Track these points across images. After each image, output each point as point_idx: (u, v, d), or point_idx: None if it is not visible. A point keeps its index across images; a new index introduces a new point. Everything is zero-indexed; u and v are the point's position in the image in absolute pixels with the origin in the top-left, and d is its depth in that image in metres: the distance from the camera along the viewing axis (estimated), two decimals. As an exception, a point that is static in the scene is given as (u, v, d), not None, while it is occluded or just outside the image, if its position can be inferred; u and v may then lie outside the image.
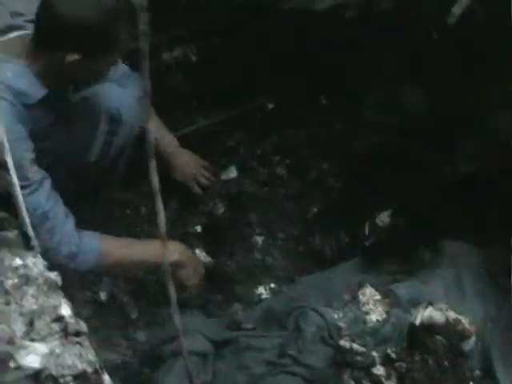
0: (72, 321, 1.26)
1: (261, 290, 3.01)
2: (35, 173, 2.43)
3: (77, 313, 2.67)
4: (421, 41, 2.71)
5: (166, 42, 3.52)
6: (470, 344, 2.58)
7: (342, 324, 2.72)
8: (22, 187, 2.30)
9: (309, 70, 3.43)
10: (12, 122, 2.34)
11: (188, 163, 3.20)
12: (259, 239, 3.18)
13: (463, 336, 2.57)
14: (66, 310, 1.27)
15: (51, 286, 1.30)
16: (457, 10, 2.53)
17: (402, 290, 2.79)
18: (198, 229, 3.20)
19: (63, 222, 2.52)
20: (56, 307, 1.27)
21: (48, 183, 2.49)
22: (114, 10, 2.39)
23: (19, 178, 2.29)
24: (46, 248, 2.37)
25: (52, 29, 2.39)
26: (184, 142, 3.30)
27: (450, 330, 2.57)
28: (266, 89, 3.57)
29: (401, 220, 2.94)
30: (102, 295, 2.95)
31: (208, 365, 2.66)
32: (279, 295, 2.96)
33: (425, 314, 2.59)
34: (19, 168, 2.28)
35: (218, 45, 3.60)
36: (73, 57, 2.38)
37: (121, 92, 2.88)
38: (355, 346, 2.65)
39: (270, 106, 3.62)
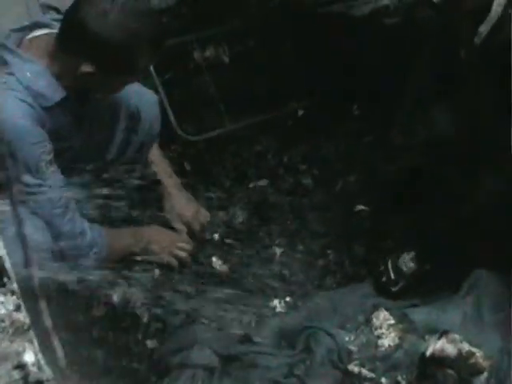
0: (34, 369, 1.22)
1: (275, 302, 2.95)
2: (52, 173, 2.44)
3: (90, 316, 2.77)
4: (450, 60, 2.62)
5: (198, 41, 3.46)
6: (481, 380, 2.51)
7: (352, 347, 2.68)
8: (40, 185, 2.34)
9: (344, 78, 3.36)
10: (30, 124, 2.36)
11: (184, 207, 3.12)
12: (278, 250, 3.13)
13: (475, 370, 2.51)
14: (29, 357, 1.23)
15: (18, 328, 1.26)
16: (483, 28, 2.44)
17: (418, 315, 2.75)
18: (216, 237, 3.14)
19: (78, 213, 2.57)
20: (19, 353, 1.23)
21: (65, 182, 2.51)
22: (138, 35, 2.36)
23: (37, 178, 2.33)
24: (71, 236, 2.52)
25: (74, 34, 2.37)
26: (210, 145, 3.26)
27: (462, 364, 2.51)
28: (298, 95, 3.50)
29: (426, 265, 2.85)
30: (115, 297, 2.92)
31: (214, 380, 2.62)
32: (293, 312, 2.90)
33: (437, 346, 2.53)
34: (36, 170, 2.32)
35: (252, 47, 3.53)
36: (87, 68, 2.37)
37: (141, 90, 2.88)
38: (364, 371, 2.61)
39: (301, 112, 3.54)
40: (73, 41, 2.37)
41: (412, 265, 2.87)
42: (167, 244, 2.88)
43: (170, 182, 3.09)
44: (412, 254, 2.90)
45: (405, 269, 2.89)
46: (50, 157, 2.43)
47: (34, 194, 2.42)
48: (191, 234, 3.05)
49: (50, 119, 2.45)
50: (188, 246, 2.94)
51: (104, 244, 2.66)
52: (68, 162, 2.58)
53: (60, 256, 2.50)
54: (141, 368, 2.78)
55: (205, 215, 3.11)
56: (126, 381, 2.75)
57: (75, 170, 2.59)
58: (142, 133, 2.84)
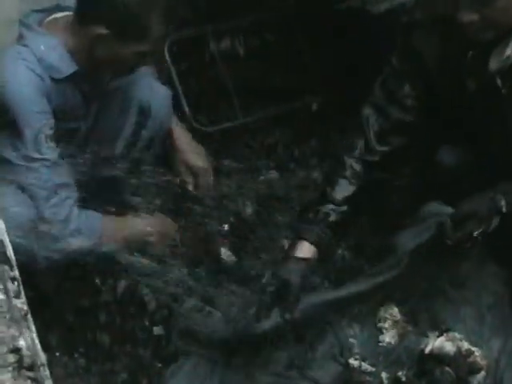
0: (29, 353, 1.26)
1: (282, 294, 2.97)
2: (50, 149, 2.46)
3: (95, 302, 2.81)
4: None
5: (214, 32, 3.48)
6: (478, 378, 2.53)
7: (354, 341, 2.70)
8: (34, 159, 2.38)
9: (359, 74, 3.37)
10: (35, 94, 2.41)
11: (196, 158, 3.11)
12: (286, 243, 3.15)
13: (473, 369, 2.53)
14: (25, 341, 1.26)
15: (14, 314, 1.30)
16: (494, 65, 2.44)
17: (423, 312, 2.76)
18: (225, 227, 3.17)
19: (70, 200, 2.56)
20: (15, 337, 1.27)
21: (62, 164, 2.52)
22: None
23: (33, 150, 2.36)
24: (53, 222, 2.49)
25: (87, 3, 2.44)
26: (222, 137, 3.28)
27: (460, 362, 2.53)
28: (313, 89, 3.51)
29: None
30: (122, 284, 2.96)
31: (215, 372, 2.65)
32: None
33: (436, 343, 2.55)
34: (35, 140, 2.38)
35: (268, 40, 3.54)
36: (101, 29, 2.41)
37: (154, 85, 2.89)
38: (365, 365, 2.63)
39: (315, 107, 3.56)
40: (88, 7, 2.43)
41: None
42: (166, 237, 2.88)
43: (184, 136, 3.09)
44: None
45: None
46: (50, 132, 2.45)
47: (25, 167, 2.45)
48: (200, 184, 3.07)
49: (58, 94, 2.50)
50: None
51: (95, 233, 2.63)
52: (75, 148, 2.60)
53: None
54: (146, 354, 2.82)
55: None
56: (131, 366, 2.79)
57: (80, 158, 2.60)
58: (151, 128, 2.84)
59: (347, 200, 2.69)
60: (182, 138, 3.02)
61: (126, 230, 2.73)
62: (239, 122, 3.50)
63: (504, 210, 2.48)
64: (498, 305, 2.78)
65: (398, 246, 2.66)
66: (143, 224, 2.79)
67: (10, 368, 1.23)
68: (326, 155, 3.45)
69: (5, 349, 1.25)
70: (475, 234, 2.51)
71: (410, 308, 2.76)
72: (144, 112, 2.79)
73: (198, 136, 3.33)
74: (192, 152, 3.03)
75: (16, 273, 1.44)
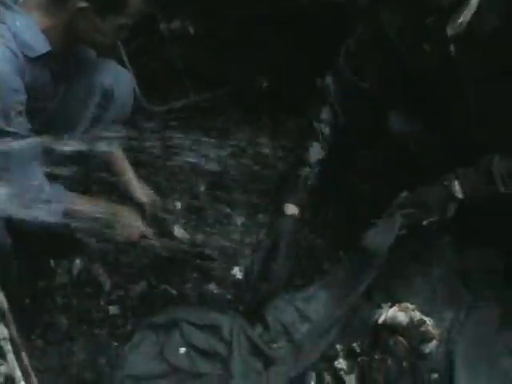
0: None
1: (236, 270, 3.01)
2: (20, 125, 2.47)
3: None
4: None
5: (164, 12, 3.48)
6: (430, 347, 2.58)
7: (308, 313, 2.75)
8: (4, 132, 2.39)
9: (307, 53, 3.39)
10: (10, 71, 2.40)
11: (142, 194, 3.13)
12: (239, 220, 3.18)
13: (425, 338, 2.57)
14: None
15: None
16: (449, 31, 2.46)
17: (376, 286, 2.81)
18: (178, 206, 3.19)
19: (41, 171, 2.58)
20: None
21: (32, 140, 2.50)
22: None
23: (3, 124, 2.36)
24: (25, 191, 2.48)
25: None
26: (174, 117, 3.29)
27: (413, 332, 2.58)
28: (262, 68, 3.53)
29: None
30: (77, 266, 2.97)
31: (172, 342, 2.69)
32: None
33: (388, 314, 2.60)
34: (5, 115, 2.38)
35: (218, 18, 3.55)
36: (81, 3, 2.41)
37: (117, 69, 2.94)
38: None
39: (264, 85, 3.58)
40: None
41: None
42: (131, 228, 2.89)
43: (128, 172, 3.13)
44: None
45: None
46: (21, 108, 2.46)
47: None
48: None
49: (30, 72, 2.49)
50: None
51: (61, 207, 2.63)
52: (40, 125, 2.61)
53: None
54: (103, 334, 2.84)
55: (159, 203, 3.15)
56: (89, 346, 2.81)
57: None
58: (113, 111, 2.88)
59: (320, 162, 2.82)
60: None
61: (89, 212, 2.73)
62: (190, 101, 3.50)
63: (460, 196, 2.52)
64: (450, 276, 2.84)
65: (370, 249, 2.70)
66: (108, 210, 2.78)
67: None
68: (277, 133, 3.47)
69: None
70: (424, 222, 2.56)
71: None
72: (107, 95, 2.82)
73: (150, 116, 3.33)
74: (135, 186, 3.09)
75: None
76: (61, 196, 2.66)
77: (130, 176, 3.10)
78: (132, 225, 2.83)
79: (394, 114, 2.89)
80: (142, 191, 3.10)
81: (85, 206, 2.71)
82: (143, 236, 2.82)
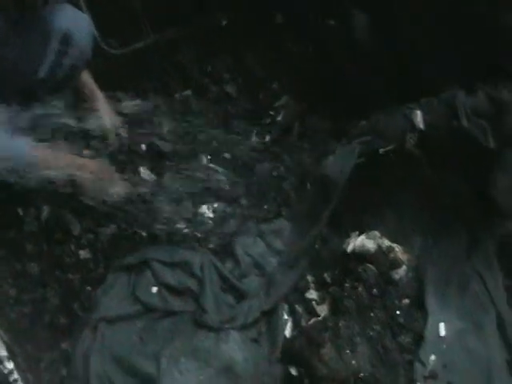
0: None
1: (204, 208, 3.01)
2: None
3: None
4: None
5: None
6: (400, 273, 2.61)
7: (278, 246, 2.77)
8: None
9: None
10: None
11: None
12: (205, 158, 3.17)
13: (394, 264, 2.61)
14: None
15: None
16: None
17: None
18: (143, 147, 3.17)
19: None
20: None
21: None
22: None
23: None
24: None
25: None
26: (135, 57, 3.25)
27: (382, 259, 2.61)
28: (222, 5, 3.49)
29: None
30: (45, 212, 2.96)
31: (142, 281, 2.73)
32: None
33: (357, 243, 2.62)
34: None
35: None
36: None
37: (76, 14, 2.88)
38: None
39: (224, 22, 3.54)
40: None
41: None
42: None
43: (97, 95, 3.10)
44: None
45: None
46: None
47: None
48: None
49: None
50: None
51: (22, 154, 2.59)
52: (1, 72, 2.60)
53: None
54: (75, 278, 2.84)
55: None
56: (62, 292, 2.81)
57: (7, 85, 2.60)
58: (73, 56, 2.84)
59: None
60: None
61: (53, 162, 2.71)
62: (150, 41, 3.45)
63: (422, 127, 2.53)
64: (418, 203, 2.86)
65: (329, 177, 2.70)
66: (74, 162, 2.76)
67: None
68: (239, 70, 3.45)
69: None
70: (382, 151, 2.57)
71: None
72: (65, 40, 2.78)
73: (110, 59, 3.30)
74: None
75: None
76: (20, 144, 2.62)
77: (99, 102, 3.07)
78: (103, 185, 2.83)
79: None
80: (108, 118, 3.07)
81: (51, 156, 2.69)
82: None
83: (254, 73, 3.44)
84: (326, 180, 2.69)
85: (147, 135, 3.20)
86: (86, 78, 3.03)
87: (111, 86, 3.22)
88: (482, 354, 2.60)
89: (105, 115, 3.04)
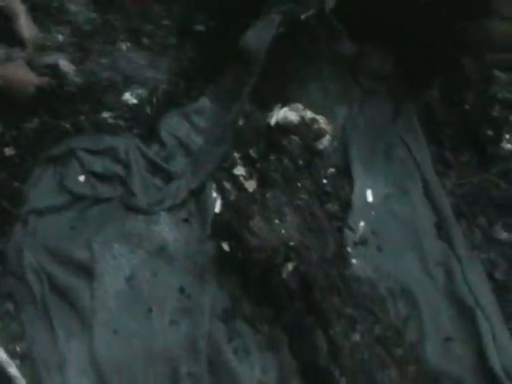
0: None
1: (127, 95, 2.98)
2: None
3: None
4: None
5: None
6: (324, 143, 2.63)
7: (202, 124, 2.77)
8: None
9: None
10: None
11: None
12: (124, 46, 3.12)
13: (318, 135, 2.63)
14: None
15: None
16: None
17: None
18: (60, 38, 3.10)
19: None
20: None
21: None
22: None
23: None
24: None
25: None
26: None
27: (305, 130, 2.62)
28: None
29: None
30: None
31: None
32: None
33: (279, 115, 2.62)
34: None
35: None
36: None
37: None
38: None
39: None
40: None
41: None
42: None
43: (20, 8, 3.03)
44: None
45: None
46: None
47: None
48: None
49: None
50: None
51: None
52: None
53: None
54: (1, 176, 2.81)
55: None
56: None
57: None
58: None
59: None
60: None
61: None
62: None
63: None
64: (340, 73, 2.86)
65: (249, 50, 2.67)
66: None
67: None
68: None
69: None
70: (302, 17, 2.55)
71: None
72: None
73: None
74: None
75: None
76: None
77: (22, 17, 3.00)
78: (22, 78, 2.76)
79: None
80: (27, 29, 3.00)
81: None
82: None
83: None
84: (246, 54, 2.66)
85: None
86: None
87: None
88: (410, 218, 2.66)
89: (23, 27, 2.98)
